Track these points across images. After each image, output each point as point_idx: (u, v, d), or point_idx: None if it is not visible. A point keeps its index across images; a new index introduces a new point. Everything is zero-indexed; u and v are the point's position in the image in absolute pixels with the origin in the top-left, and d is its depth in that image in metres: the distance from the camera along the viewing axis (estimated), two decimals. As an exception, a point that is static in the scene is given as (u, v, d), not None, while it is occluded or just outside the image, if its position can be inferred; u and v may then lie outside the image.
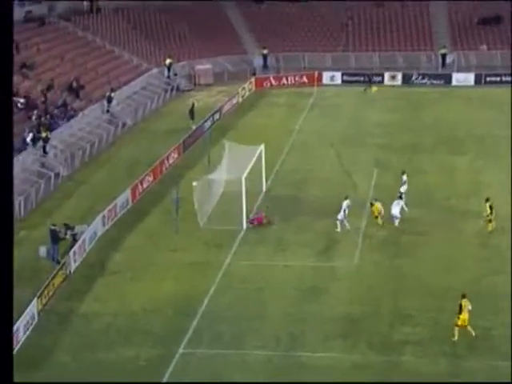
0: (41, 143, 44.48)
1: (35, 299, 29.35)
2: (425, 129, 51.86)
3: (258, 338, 28.12)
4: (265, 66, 67.52)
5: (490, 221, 35.96)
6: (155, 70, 62.62)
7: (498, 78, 62.96)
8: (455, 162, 45.43)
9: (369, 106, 57.75)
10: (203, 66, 65.10)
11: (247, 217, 37.19)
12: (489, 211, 35.90)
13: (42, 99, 49.26)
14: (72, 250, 33.53)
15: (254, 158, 38.86)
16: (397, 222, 36.51)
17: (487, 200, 36.18)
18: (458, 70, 65.07)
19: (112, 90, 54.21)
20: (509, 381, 25.45)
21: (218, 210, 38.07)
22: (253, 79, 63.70)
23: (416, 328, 28.46)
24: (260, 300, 30.86)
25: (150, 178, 42.51)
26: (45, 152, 44.58)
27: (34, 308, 29.17)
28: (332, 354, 27.10)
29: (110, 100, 53.47)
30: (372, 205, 37.17)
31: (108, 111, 53.24)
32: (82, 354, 27.47)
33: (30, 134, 44.31)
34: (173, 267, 33.54)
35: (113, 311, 30.15)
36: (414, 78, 63.89)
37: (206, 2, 71.58)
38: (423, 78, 63.93)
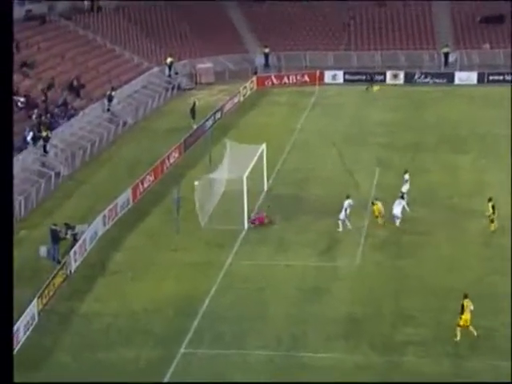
0: (41, 142, 44.41)
1: (35, 299, 29.30)
2: (427, 128, 51.77)
3: (259, 339, 28.04)
4: (266, 64, 67.45)
5: (492, 221, 35.80)
6: (156, 69, 62.52)
7: (501, 77, 62.80)
8: (458, 161, 45.36)
9: (371, 105, 57.67)
10: (204, 65, 65.02)
11: (248, 216, 37.07)
12: (491, 211, 35.77)
13: (43, 98, 49.20)
14: (72, 250, 33.49)
15: (256, 157, 38.76)
16: (398, 222, 36.38)
17: (490, 200, 36.04)
18: (461, 69, 64.92)
19: (113, 89, 54.12)
20: (509, 381, 25.41)
21: (220, 209, 38.00)
22: (254, 78, 63.62)
23: (418, 328, 28.38)
24: (261, 300, 30.77)
25: (151, 178, 42.43)
26: (45, 151, 44.53)
27: (34, 308, 29.12)
28: (334, 355, 27.02)
29: (110, 99, 53.38)
30: (373, 204, 36.94)
31: (109, 110, 53.15)
32: (82, 354, 27.42)
33: (31, 133, 44.26)
34: (174, 267, 33.48)
35: (113, 311, 30.08)
36: (416, 76, 63.76)
37: (207, 1, 71.38)
38: (425, 77, 63.78)
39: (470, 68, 64.85)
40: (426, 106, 57.21)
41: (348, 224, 36.31)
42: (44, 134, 44.53)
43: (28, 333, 28.38)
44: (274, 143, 45.45)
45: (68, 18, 63.84)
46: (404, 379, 25.60)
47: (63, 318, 29.75)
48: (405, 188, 38.70)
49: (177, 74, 63.29)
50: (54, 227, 34.29)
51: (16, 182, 35.81)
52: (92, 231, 35.48)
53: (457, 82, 63.39)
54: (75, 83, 53.16)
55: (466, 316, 27.29)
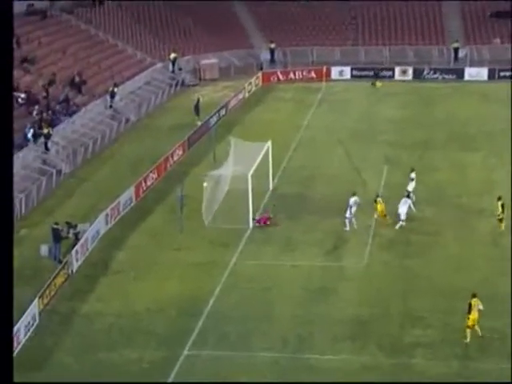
0: (42, 139, 44.25)
1: (36, 299, 29.18)
2: (436, 125, 51.54)
3: (264, 340, 27.87)
4: (272, 60, 67.21)
5: (501, 220, 35.50)
6: (159, 65, 62.32)
7: (513, 73, 62.28)
8: (467, 159, 45.09)
9: (379, 102, 57.49)
10: (209, 61, 64.79)
11: (253, 215, 36.80)
12: (500, 210, 35.44)
13: (44, 94, 49.06)
14: (74, 249, 33.40)
15: (261, 155, 38.56)
16: (399, 224, 35.91)
17: (499, 198, 35.76)
18: (471, 65, 64.51)
19: (115, 85, 53.90)
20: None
21: (224, 208, 37.83)
22: (259, 74, 63.42)
23: (427, 330, 28.20)
24: (267, 301, 30.57)
25: (154, 176, 42.20)
26: (46, 148, 44.35)
27: (35, 308, 28.98)
28: (341, 357, 26.85)
29: (113, 95, 53.16)
30: (376, 202, 36.47)
31: (111, 107, 52.96)
32: (84, 355, 27.28)
33: (31, 130, 44.09)
34: (177, 267, 33.33)
35: (116, 311, 29.92)
36: (425, 72, 63.37)
37: (211, -4, 71.19)
38: (435, 73, 63.35)
39: (480, 64, 64.36)
40: (435, 102, 56.98)
41: (354, 222, 35.95)
42: (45, 130, 44.35)
43: (29, 333, 28.24)
44: (280, 140, 45.26)
45: (70, 13, 63.79)
46: (412, 381, 25.40)
47: (65, 318, 29.61)
48: (411, 187, 38.35)
49: (180, 69, 63.07)
50: (55, 226, 34.17)
51: (16, 179, 36.12)
52: (94, 230, 35.35)
53: (467, 78, 62.97)
54: (77, 79, 53.00)
55: (474, 315, 27.14)
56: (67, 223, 35.26)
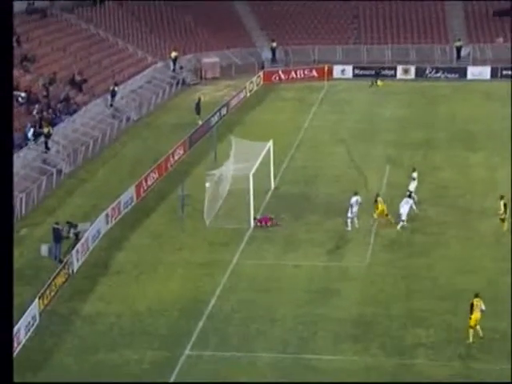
0: (42, 139, 44.15)
1: (37, 299, 29.03)
2: (439, 124, 51.51)
3: (266, 341, 27.71)
4: (273, 59, 67.17)
5: (503, 220, 35.33)
6: (160, 64, 62.26)
7: (515, 72, 62.17)
8: (470, 159, 45.04)
9: (381, 101, 57.44)
10: (210, 60, 64.68)
11: (255, 215, 36.64)
12: (503, 209, 35.28)
13: (44, 93, 48.99)
14: (75, 249, 33.28)
15: (262, 154, 38.43)
16: (401, 224, 35.70)
17: (501, 197, 35.64)
18: (474, 64, 64.48)
19: (116, 84, 53.84)
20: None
21: (225, 207, 37.75)
22: (261, 73, 63.38)
23: (429, 330, 28.05)
24: (268, 301, 30.39)
25: (155, 175, 42.09)
26: (47, 148, 44.22)
27: (35, 308, 28.83)
28: (343, 357, 26.71)
29: (113, 94, 53.09)
30: (376, 202, 36.29)
31: (112, 106, 52.91)
32: (84, 356, 27.12)
33: (32, 130, 43.99)
34: (178, 267, 33.20)
35: (116, 312, 29.75)
36: (427, 71, 63.35)
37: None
38: (437, 72, 63.32)
39: (482, 62, 64.33)
40: (438, 101, 56.94)
41: (356, 222, 35.84)
42: (45, 130, 44.23)
43: (29, 334, 28.07)
44: (281, 140, 45.18)
45: (70, 11, 63.75)
46: (414, 382, 25.29)
47: (65, 318, 29.44)
48: (412, 186, 38.17)
49: (181, 68, 62.99)
50: (56, 226, 34.06)
51: (16, 179, 36.20)
52: (95, 230, 35.21)
53: (469, 76, 62.91)
54: (77, 78, 52.95)
55: (476, 315, 27.01)
56: (68, 223, 35.20)
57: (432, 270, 32.29)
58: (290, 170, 43.56)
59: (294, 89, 60.81)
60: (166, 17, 69.36)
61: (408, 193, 37.08)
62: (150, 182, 41.21)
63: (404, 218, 35.66)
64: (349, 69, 64.02)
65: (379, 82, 61.27)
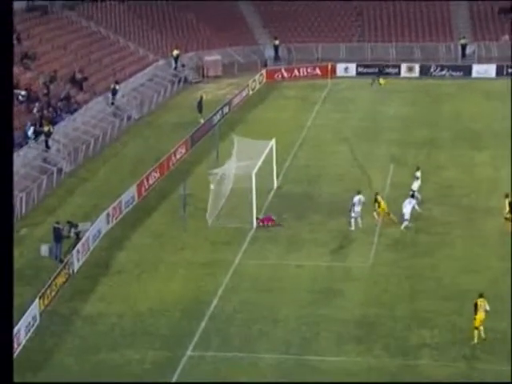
0: (43, 137, 44.09)
1: (37, 299, 28.95)
2: (443, 123, 51.45)
3: (268, 341, 27.59)
4: (276, 57, 67.18)
5: (507, 219, 35.07)
6: (162, 62, 62.26)
7: (521, 70, 62.00)
8: (475, 158, 44.98)
9: (385, 99, 57.42)
10: (212, 57, 64.62)
11: (257, 214, 36.49)
12: (508, 208, 35.08)
13: (44, 91, 49.01)
14: (75, 249, 33.20)
15: (265, 153, 38.34)
16: (405, 224, 35.53)
17: (506, 196, 35.47)
18: (479, 62, 64.36)
19: (117, 82, 53.84)
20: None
21: (227, 207, 37.64)
22: (264, 71, 63.30)
23: (433, 330, 27.92)
24: (271, 301, 30.27)
25: (157, 174, 42.00)
26: (47, 146, 44.16)
27: (35, 309, 28.75)
28: (346, 358, 26.57)
29: (114, 92, 53.06)
30: (376, 201, 36.06)
31: (113, 104, 52.88)
32: (85, 355, 27.05)
33: (32, 128, 43.98)
34: (180, 267, 33.11)
35: (117, 312, 29.66)
36: (432, 69, 63.26)
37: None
38: (442, 70, 63.19)
39: (488, 60, 64.21)
40: (442, 100, 56.88)
41: (359, 222, 35.63)
42: (46, 128, 44.19)
43: (29, 334, 27.97)
44: (284, 139, 45.05)
45: (71, 9, 63.89)
46: (418, 382, 25.17)
47: (65, 319, 29.35)
48: (415, 186, 37.97)
49: (183, 66, 62.91)
50: (56, 225, 34.00)
51: (17, 178, 36.29)
52: (95, 229, 35.13)
53: (474, 74, 62.78)
54: (78, 76, 52.96)
55: (480, 316, 26.88)
56: (68, 222, 35.15)
57: (436, 270, 32.17)
58: (293, 169, 43.47)
59: (297, 87, 60.77)
60: (168, 14, 69.27)
61: (411, 192, 36.86)
62: (151, 181, 41.14)
63: (407, 217, 35.48)
64: (352, 67, 63.90)
65: (381, 80, 61.05)
